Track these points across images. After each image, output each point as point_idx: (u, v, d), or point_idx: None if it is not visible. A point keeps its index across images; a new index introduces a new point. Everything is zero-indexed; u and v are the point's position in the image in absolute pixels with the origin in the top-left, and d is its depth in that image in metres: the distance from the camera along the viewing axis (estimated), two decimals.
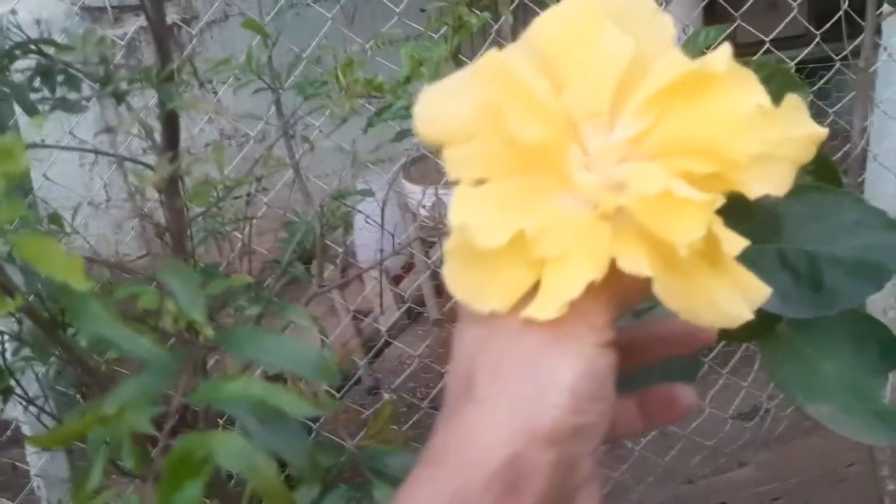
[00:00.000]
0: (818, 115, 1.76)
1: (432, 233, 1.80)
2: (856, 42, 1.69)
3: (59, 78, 0.57)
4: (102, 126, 2.38)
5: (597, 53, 0.33)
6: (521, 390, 0.32)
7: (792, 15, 1.72)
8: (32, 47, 0.65)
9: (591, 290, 0.31)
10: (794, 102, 0.34)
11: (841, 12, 1.64)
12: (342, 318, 1.86)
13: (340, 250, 1.38)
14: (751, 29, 1.69)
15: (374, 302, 2.05)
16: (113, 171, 2.62)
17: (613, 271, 0.32)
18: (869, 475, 1.87)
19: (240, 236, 1.43)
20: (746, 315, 0.33)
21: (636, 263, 0.31)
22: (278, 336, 0.37)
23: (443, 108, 0.34)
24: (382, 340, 1.78)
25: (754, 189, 0.33)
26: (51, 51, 0.68)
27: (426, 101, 0.34)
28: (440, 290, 1.99)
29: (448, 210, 0.32)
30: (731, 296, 0.33)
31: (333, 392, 1.42)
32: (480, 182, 0.33)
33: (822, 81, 1.72)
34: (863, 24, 1.66)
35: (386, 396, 2.02)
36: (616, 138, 0.33)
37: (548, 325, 0.32)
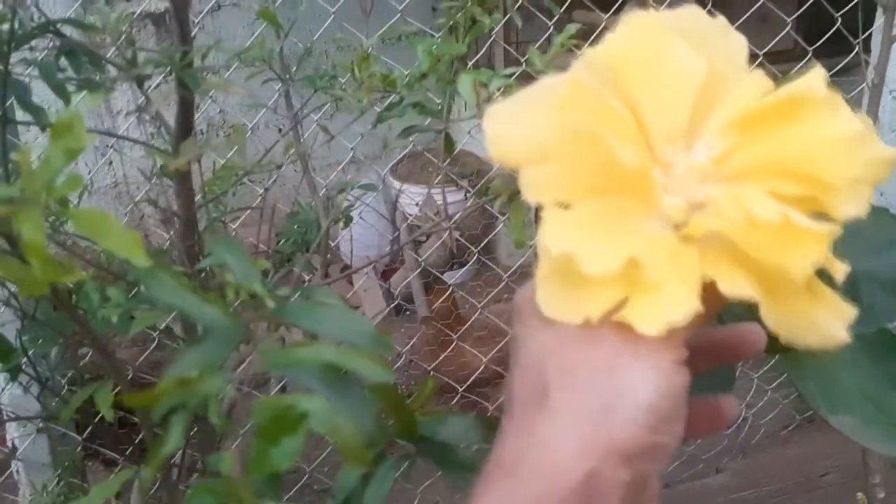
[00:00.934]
0: None
1: (422, 230, 1.80)
2: (848, 58, 1.72)
3: (84, 59, 0.57)
4: (95, 113, 2.36)
5: (669, 73, 0.33)
6: (598, 402, 0.31)
7: (786, 30, 1.75)
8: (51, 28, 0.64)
9: None
10: (865, 119, 0.33)
11: (835, 27, 1.67)
12: None
13: (332, 244, 1.38)
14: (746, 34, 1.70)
15: (363, 297, 2.05)
16: (99, 158, 2.59)
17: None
18: (842, 485, 1.90)
19: (232, 227, 1.42)
20: (844, 337, 0.33)
21: (741, 288, 0.31)
22: (333, 308, 0.38)
23: (516, 129, 0.34)
24: None
25: (845, 211, 0.32)
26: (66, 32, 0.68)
27: (496, 122, 0.34)
28: (429, 287, 2.00)
29: (540, 235, 0.32)
30: (829, 318, 0.33)
31: None
32: (561, 205, 0.33)
33: None
34: (853, 41, 1.70)
35: None
36: (699, 159, 0.33)
37: (624, 336, 0.31)
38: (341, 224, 1.08)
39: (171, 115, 0.74)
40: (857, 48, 1.67)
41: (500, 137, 0.34)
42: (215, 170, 0.79)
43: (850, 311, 0.33)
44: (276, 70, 0.84)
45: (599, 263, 0.31)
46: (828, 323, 0.33)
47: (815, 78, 0.32)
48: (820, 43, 1.69)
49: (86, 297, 0.65)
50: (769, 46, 1.76)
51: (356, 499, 0.43)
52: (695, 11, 0.35)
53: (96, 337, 0.55)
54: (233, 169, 0.59)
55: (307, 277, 1.11)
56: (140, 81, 0.61)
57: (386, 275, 2.32)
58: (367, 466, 0.39)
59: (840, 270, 0.31)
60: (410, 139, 1.44)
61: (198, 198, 0.84)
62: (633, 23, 0.34)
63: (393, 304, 1.81)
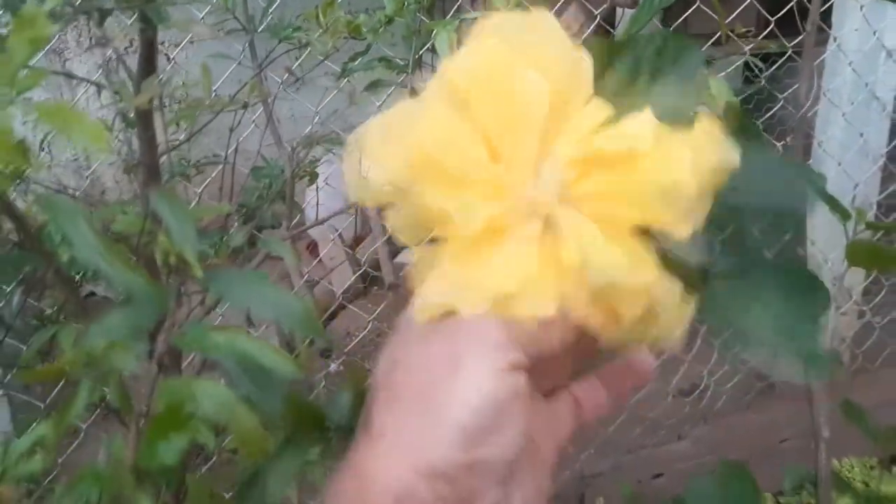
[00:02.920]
0: (769, 100, 1.81)
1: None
2: (800, 36, 1.74)
3: None
4: (53, 88, 2.31)
5: (514, 99, 0.33)
6: (414, 425, 0.31)
7: (742, 6, 1.76)
8: None
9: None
10: (708, 127, 0.34)
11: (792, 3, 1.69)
12: (295, 282, 1.86)
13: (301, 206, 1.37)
14: (710, 14, 1.71)
15: (329, 266, 2.04)
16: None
17: None
18: (801, 450, 1.94)
19: (196, 191, 1.41)
20: (679, 341, 0.35)
21: (589, 316, 0.33)
22: (267, 284, 0.38)
23: (376, 171, 0.34)
24: (336, 304, 1.78)
25: (678, 235, 0.33)
26: None
27: (354, 170, 0.34)
28: (396, 254, 2.00)
29: (413, 283, 0.34)
30: (666, 328, 0.34)
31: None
32: (431, 240, 0.34)
33: (773, 68, 1.77)
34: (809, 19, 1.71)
35: (333, 366, 2.01)
36: (549, 183, 0.34)
37: (448, 349, 0.32)
38: (307, 182, 1.08)
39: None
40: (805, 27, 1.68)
41: (360, 184, 0.34)
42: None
43: (687, 311, 0.34)
44: (240, 20, 0.84)
45: (473, 304, 0.32)
46: (666, 332, 0.34)
47: (641, 126, 0.33)
48: (778, 16, 1.71)
49: (48, 237, 0.65)
50: (729, 26, 1.77)
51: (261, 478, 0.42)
52: (546, 27, 0.34)
53: (59, 270, 0.55)
54: (196, 107, 0.59)
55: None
56: (102, 16, 0.60)
57: (355, 244, 2.31)
58: (266, 458, 0.39)
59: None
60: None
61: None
62: (481, 44, 0.34)
63: (359, 272, 1.81)
